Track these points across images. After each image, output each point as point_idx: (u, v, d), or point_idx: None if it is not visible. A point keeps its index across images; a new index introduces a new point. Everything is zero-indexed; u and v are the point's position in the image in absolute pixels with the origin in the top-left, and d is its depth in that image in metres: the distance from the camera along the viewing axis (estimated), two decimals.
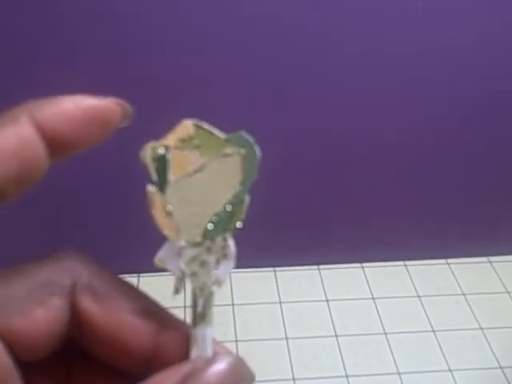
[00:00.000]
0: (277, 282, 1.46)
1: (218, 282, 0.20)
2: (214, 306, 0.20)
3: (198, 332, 0.19)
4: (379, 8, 1.06)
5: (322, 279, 1.47)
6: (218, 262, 0.20)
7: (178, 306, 1.33)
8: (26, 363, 0.18)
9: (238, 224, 0.20)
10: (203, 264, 0.20)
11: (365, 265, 1.50)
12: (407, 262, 1.52)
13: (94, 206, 1.29)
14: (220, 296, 1.23)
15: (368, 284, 1.46)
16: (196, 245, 0.20)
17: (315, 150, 1.25)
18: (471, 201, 1.41)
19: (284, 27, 1.07)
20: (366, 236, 1.44)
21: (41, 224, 1.28)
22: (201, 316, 0.20)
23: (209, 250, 0.20)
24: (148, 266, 1.55)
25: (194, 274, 0.20)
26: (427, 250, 1.51)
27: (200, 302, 0.20)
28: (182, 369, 0.18)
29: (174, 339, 0.19)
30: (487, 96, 1.22)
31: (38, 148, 0.16)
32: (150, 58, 1.08)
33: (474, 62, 1.16)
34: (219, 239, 0.20)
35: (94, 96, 0.18)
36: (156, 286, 1.41)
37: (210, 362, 0.18)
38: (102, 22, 1.03)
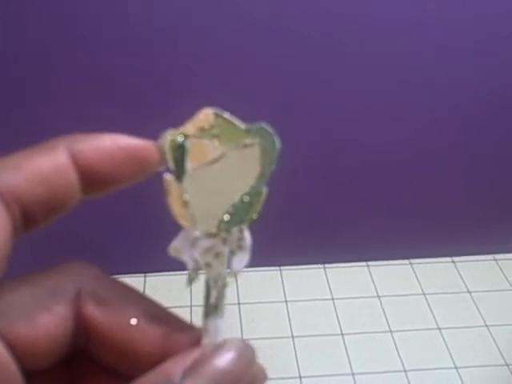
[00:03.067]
0: (282, 280, 1.46)
1: (233, 274, 0.20)
2: None
3: (210, 323, 0.19)
4: (379, 10, 1.06)
5: (327, 278, 1.47)
6: (233, 254, 0.20)
7: (184, 306, 1.35)
8: (30, 372, 0.18)
9: (255, 216, 0.20)
10: (218, 255, 0.20)
11: (370, 263, 1.50)
12: (412, 260, 1.51)
13: (101, 207, 1.29)
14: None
15: (373, 282, 1.46)
16: (211, 235, 0.19)
17: (319, 150, 1.25)
18: (476, 198, 1.41)
19: (289, 29, 1.07)
20: (371, 234, 1.44)
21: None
22: (213, 307, 0.19)
23: (224, 241, 0.20)
24: (154, 267, 1.56)
25: (208, 265, 0.20)
26: (432, 248, 1.51)
27: (213, 294, 0.20)
28: (191, 355, 0.18)
29: (183, 343, 0.19)
30: (490, 98, 1.22)
31: (70, 177, 0.17)
32: (150, 56, 1.08)
33: (475, 63, 1.16)
34: (235, 231, 0.20)
35: (134, 136, 0.18)
36: (162, 286, 1.42)
37: (218, 347, 0.18)
38: (102, 19, 1.03)
